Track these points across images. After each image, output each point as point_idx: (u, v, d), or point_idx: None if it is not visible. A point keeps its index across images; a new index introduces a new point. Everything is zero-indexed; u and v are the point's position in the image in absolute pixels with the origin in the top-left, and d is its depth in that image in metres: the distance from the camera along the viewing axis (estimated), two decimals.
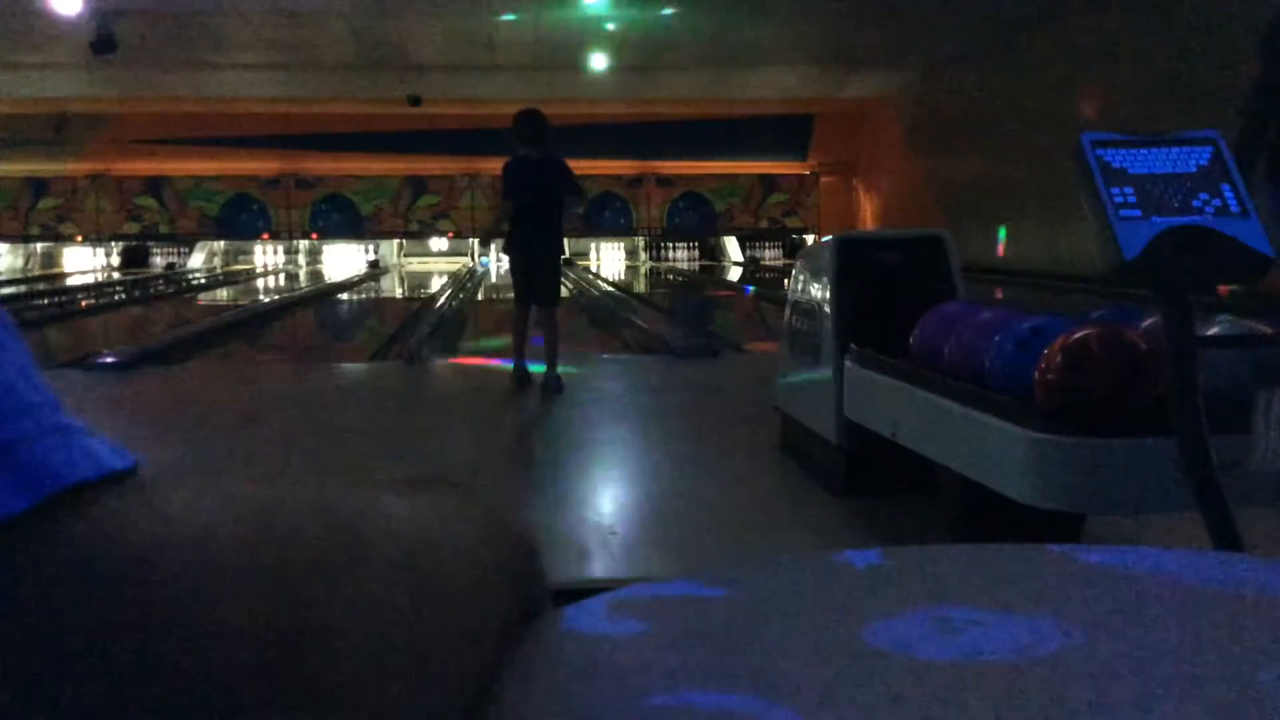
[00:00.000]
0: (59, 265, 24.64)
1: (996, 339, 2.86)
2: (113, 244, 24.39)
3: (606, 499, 4.17)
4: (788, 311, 4.61)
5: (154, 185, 24.21)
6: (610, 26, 15.28)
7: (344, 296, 17.46)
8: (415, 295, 16.85)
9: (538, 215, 6.27)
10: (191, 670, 0.28)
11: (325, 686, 0.32)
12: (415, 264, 24.78)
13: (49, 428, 0.29)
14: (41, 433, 0.28)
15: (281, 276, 22.72)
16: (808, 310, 4.29)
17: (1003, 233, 16.84)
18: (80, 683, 0.26)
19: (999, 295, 12.31)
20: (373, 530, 0.38)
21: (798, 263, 4.78)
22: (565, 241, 7.03)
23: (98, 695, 0.26)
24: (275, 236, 25.02)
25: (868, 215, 24.44)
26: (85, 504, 0.28)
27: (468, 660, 0.42)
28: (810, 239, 21.81)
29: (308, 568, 0.33)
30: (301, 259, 25.44)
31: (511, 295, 6.62)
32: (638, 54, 16.87)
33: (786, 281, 5.03)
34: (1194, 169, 1.55)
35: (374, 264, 24.81)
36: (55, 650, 0.26)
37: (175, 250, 25.02)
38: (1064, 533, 2.85)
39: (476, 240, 24.98)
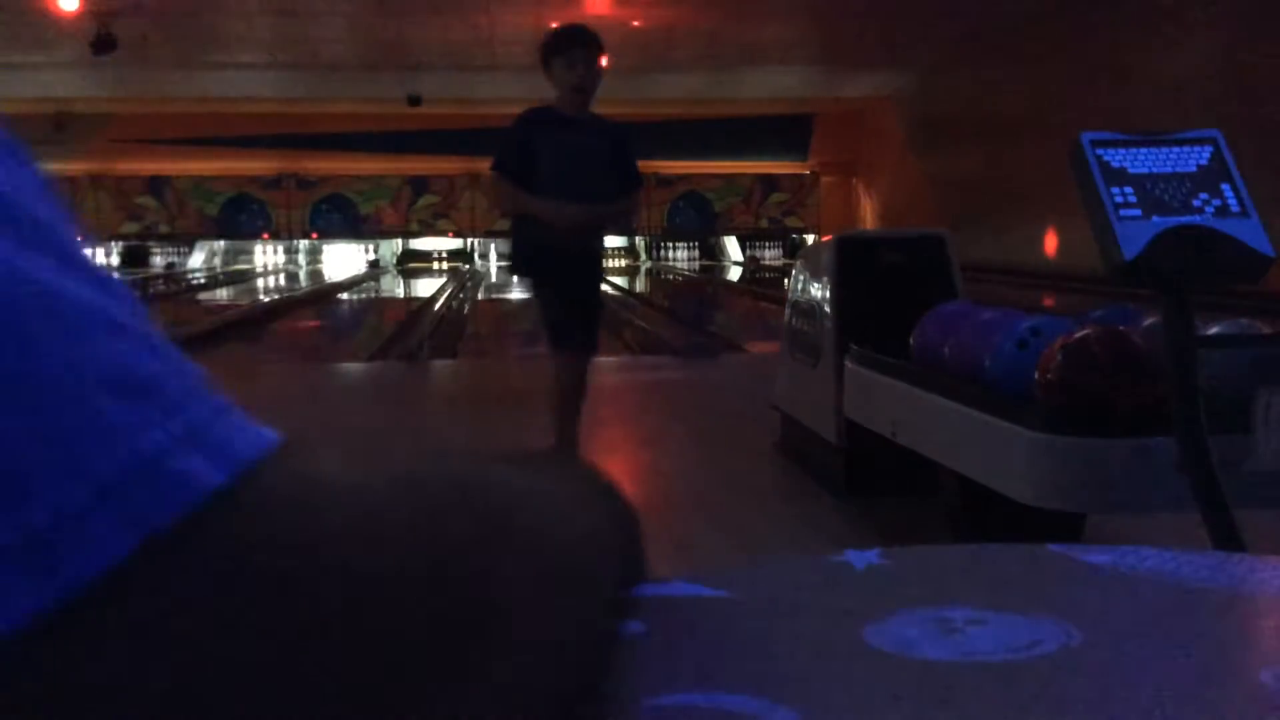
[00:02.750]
0: None
1: (996, 339, 2.86)
2: (113, 244, 24.39)
3: None
4: (788, 311, 4.61)
5: (154, 185, 24.21)
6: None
7: (344, 296, 17.46)
8: (415, 295, 16.85)
9: (581, 191, 3.99)
10: (362, 632, 0.28)
11: (479, 655, 0.32)
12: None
13: (220, 406, 0.29)
14: (218, 411, 0.29)
15: (281, 276, 22.72)
16: (808, 310, 4.28)
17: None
18: (264, 645, 0.27)
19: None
20: (507, 497, 0.39)
21: (798, 263, 4.78)
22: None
23: (274, 655, 0.27)
24: (275, 236, 25.02)
25: (868, 215, 24.44)
26: (254, 477, 0.28)
27: (595, 629, 0.43)
28: (810, 239, 21.81)
29: (460, 535, 0.34)
30: (301, 259, 25.44)
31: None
32: (638, 54, 16.87)
33: (786, 281, 5.03)
34: (1194, 168, 1.55)
35: (374, 264, 24.81)
36: (246, 613, 0.26)
37: (175, 250, 25.02)
38: (1064, 533, 2.85)
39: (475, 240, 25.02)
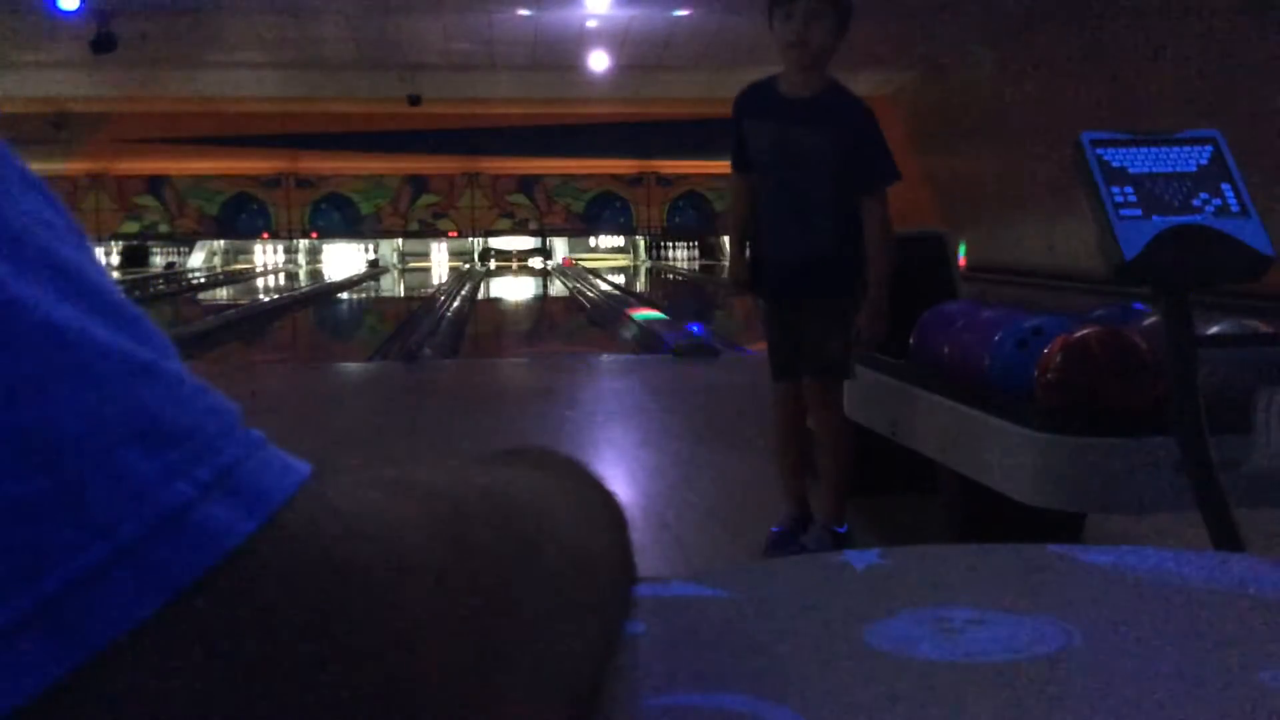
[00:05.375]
0: None
1: (996, 338, 2.86)
2: (112, 243, 24.39)
3: None
4: None
5: (154, 185, 24.21)
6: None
7: (344, 296, 17.47)
8: (415, 294, 16.85)
9: (803, 202, 3.17)
10: (391, 668, 0.28)
11: (507, 666, 0.32)
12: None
13: (252, 443, 0.28)
14: (250, 449, 0.28)
15: (281, 276, 22.72)
16: None
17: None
18: (297, 689, 0.26)
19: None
20: (535, 514, 0.39)
21: None
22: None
23: (311, 698, 0.26)
24: (275, 236, 25.02)
25: None
26: (283, 525, 0.28)
27: (606, 631, 0.44)
28: None
29: (490, 559, 0.33)
30: (301, 258, 25.44)
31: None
32: (638, 54, 16.87)
33: None
34: (1194, 168, 1.55)
35: (373, 263, 24.82)
36: (280, 659, 0.26)
37: (175, 250, 25.02)
38: (1064, 533, 2.85)
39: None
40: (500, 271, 21.94)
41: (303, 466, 0.29)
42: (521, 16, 14.67)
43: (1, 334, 0.24)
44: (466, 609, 0.31)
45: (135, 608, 0.24)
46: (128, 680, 0.24)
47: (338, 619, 0.27)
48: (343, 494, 0.30)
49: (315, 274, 22.98)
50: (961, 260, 16.47)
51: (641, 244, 25.49)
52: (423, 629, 0.29)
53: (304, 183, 24.47)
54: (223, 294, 17.75)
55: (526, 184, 24.66)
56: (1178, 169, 1.55)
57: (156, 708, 0.24)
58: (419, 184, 24.69)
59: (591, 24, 14.86)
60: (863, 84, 21.70)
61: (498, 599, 0.33)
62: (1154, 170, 1.55)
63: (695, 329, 9.66)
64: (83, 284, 0.27)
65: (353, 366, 8.27)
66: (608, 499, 0.50)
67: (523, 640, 0.34)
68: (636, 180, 24.68)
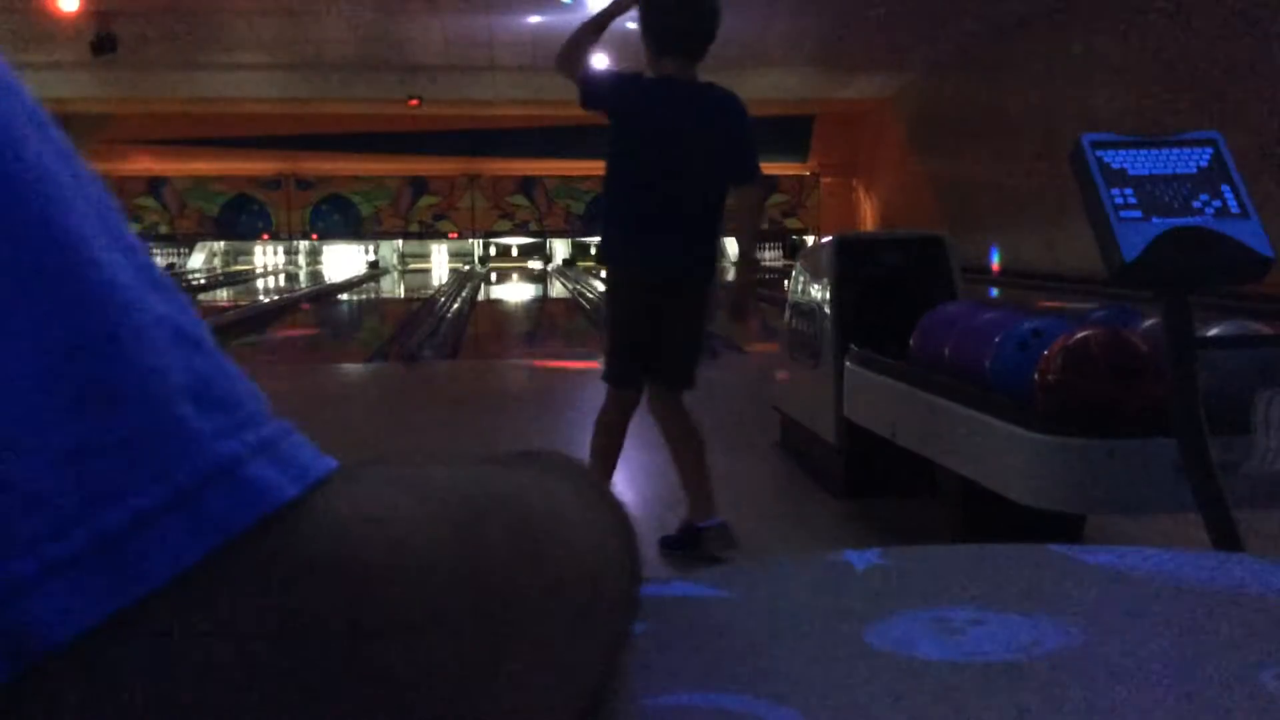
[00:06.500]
0: None
1: (997, 340, 2.86)
2: None
3: None
4: (788, 312, 4.61)
5: (154, 185, 24.21)
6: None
7: (344, 296, 17.47)
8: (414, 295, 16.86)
9: (675, 197, 3.15)
10: (402, 670, 0.29)
11: (519, 671, 0.33)
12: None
13: (285, 426, 0.30)
14: (284, 430, 0.29)
15: (281, 277, 22.72)
16: (808, 311, 4.29)
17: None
18: (310, 684, 0.27)
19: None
20: (546, 517, 0.40)
21: (798, 263, 4.78)
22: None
23: (333, 666, 0.27)
24: (275, 237, 25.02)
25: (868, 216, 24.43)
26: (324, 493, 0.29)
27: (613, 633, 0.44)
28: (810, 239, 21.80)
29: (503, 562, 0.34)
30: (301, 259, 25.44)
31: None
32: (638, 55, 16.84)
33: (786, 282, 5.03)
34: (1194, 170, 1.55)
35: (373, 264, 24.83)
36: (300, 647, 0.27)
37: (175, 251, 25.02)
38: (1064, 533, 2.85)
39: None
40: (501, 278, 21.93)
41: (330, 460, 0.31)
42: (521, 16, 14.67)
43: (77, 291, 0.26)
44: (479, 609, 0.32)
45: (187, 550, 0.25)
46: (177, 619, 0.25)
47: (361, 594, 0.28)
48: (365, 490, 0.31)
49: (315, 275, 22.98)
50: (995, 265, 16.28)
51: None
52: (436, 624, 0.30)
53: (304, 184, 24.47)
54: (223, 295, 17.75)
55: (526, 185, 24.66)
56: (1178, 171, 1.55)
57: (203, 647, 0.25)
58: (419, 185, 24.69)
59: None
60: (862, 86, 21.73)
61: (510, 601, 0.33)
62: (1154, 172, 1.55)
63: None
64: (141, 259, 0.29)
65: (353, 367, 8.27)
66: (613, 503, 0.50)
67: (533, 642, 0.34)
68: None
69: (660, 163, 3.16)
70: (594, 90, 3.24)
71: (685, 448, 3.30)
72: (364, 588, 0.28)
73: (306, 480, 0.28)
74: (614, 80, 3.30)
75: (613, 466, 3.36)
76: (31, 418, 0.24)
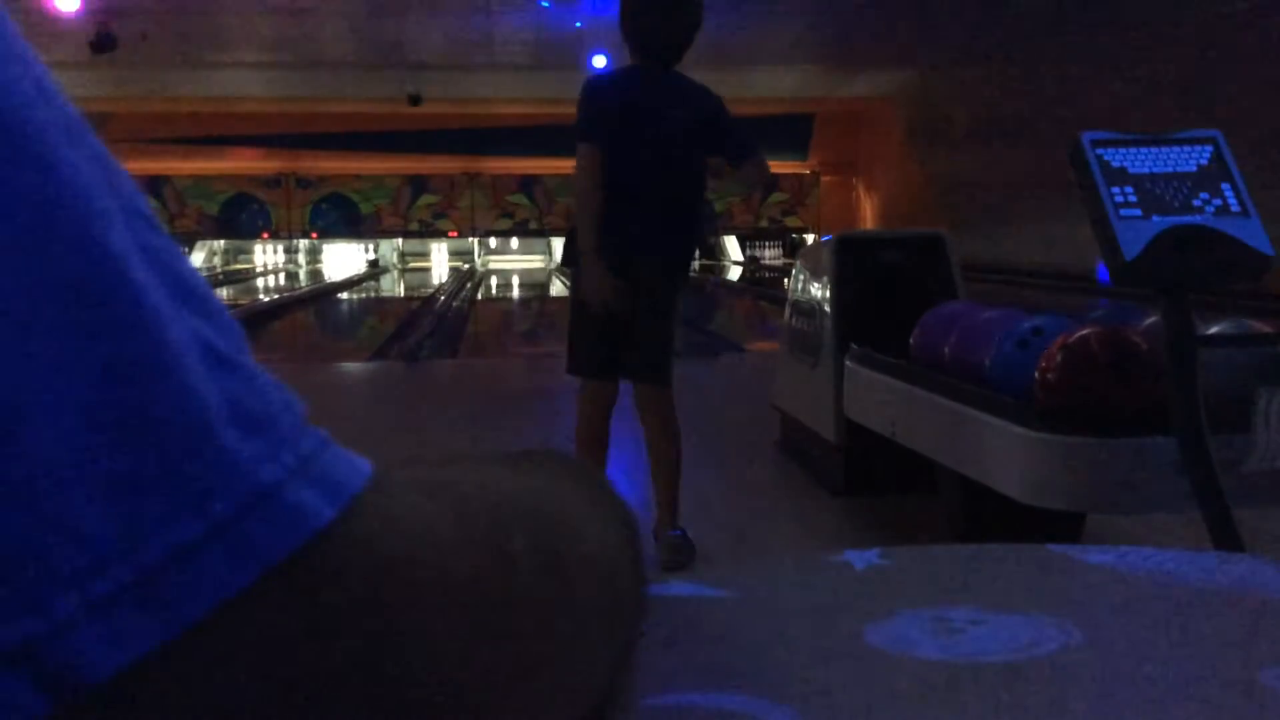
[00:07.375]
0: None
1: (997, 339, 2.86)
2: None
3: None
4: (788, 311, 4.61)
5: (154, 185, 24.21)
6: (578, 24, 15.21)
7: (344, 296, 17.47)
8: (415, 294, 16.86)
9: (653, 188, 3.16)
10: (439, 697, 0.29)
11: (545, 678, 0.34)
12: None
13: (322, 437, 0.29)
14: (322, 444, 0.29)
15: (281, 276, 22.72)
16: (808, 310, 4.28)
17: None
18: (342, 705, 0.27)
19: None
20: (562, 522, 0.39)
21: (798, 263, 4.78)
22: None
23: (372, 688, 0.27)
24: (275, 236, 25.02)
25: (868, 215, 24.43)
26: (363, 505, 0.29)
27: (625, 636, 0.45)
28: (810, 239, 21.81)
29: (524, 568, 0.34)
30: (301, 258, 25.44)
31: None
32: None
33: (786, 281, 5.02)
34: (1194, 168, 1.55)
35: (373, 263, 24.82)
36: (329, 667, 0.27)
37: None
38: (1064, 533, 2.85)
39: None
40: (501, 278, 21.94)
41: (365, 464, 0.30)
42: (521, 16, 14.66)
43: (114, 314, 0.25)
44: (509, 629, 0.32)
45: (227, 583, 0.25)
46: (216, 651, 0.25)
47: (398, 617, 0.28)
48: (399, 505, 0.31)
49: (315, 274, 22.97)
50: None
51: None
52: (470, 649, 0.30)
53: (304, 183, 24.47)
54: (223, 294, 17.75)
55: (527, 184, 24.65)
56: (1178, 169, 1.55)
57: (241, 679, 0.25)
58: (419, 184, 24.69)
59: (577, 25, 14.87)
60: (863, 86, 21.75)
61: (532, 608, 0.34)
62: (1154, 170, 1.55)
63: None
64: (175, 265, 0.28)
65: (353, 366, 8.27)
66: (620, 505, 0.50)
67: (554, 647, 0.34)
68: None
69: (631, 143, 3.12)
70: (585, 130, 3.17)
71: (660, 451, 3.25)
72: (401, 612, 0.28)
73: (342, 499, 0.28)
74: (594, 111, 3.18)
75: (599, 463, 3.31)
76: (71, 448, 0.24)
